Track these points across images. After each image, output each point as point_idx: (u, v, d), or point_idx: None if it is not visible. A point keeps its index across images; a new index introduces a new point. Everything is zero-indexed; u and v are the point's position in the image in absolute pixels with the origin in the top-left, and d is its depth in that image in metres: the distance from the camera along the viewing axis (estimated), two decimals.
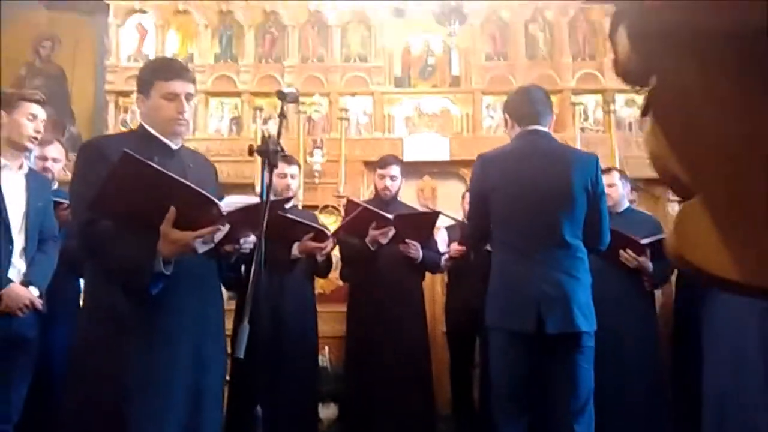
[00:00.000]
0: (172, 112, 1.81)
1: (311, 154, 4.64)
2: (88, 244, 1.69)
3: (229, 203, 1.56)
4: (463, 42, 5.04)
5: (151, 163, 1.46)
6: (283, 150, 1.48)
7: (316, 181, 4.67)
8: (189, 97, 1.86)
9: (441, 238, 3.90)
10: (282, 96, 1.51)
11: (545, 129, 2.45)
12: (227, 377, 2.75)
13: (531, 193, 2.28)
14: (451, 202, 4.40)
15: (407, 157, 4.53)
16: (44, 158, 2.96)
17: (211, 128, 4.93)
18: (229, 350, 2.14)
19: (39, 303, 2.45)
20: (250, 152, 1.49)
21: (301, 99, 4.80)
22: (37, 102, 2.53)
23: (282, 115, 1.53)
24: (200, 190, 1.51)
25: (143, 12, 4.93)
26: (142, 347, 1.68)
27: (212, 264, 1.90)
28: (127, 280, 1.61)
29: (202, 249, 1.57)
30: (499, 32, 5.14)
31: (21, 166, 2.55)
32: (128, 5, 4.92)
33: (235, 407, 3.00)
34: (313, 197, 4.65)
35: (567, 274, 2.27)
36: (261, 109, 4.80)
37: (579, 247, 2.34)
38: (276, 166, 1.50)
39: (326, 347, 4.54)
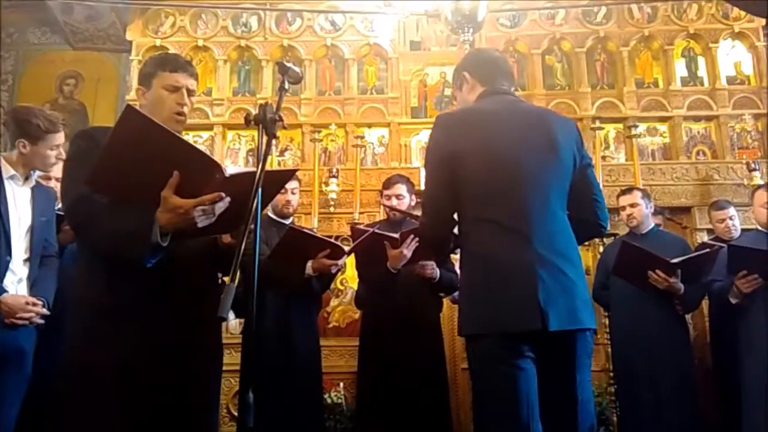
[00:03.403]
0: (172, 103, 1.76)
1: (326, 183, 4.58)
2: (81, 218, 1.60)
3: (231, 171, 1.48)
4: None
5: (153, 119, 1.40)
6: (281, 119, 1.39)
7: (332, 210, 4.59)
8: (190, 92, 1.82)
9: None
10: (283, 69, 1.44)
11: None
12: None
13: (513, 158, 1.82)
14: None
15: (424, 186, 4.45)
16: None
17: (227, 160, 4.93)
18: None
19: (40, 307, 2.38)
20: (247, 121, 1.41)
21: (317, 130, 4.81)
22: (60, 131, 2.52)
23: (282, 88, 1.45)
24: (203, 150, 1.43)
25: (164, 48, 5.03)
26: (128, 340, 1.56)
27: (209, 259, 1.78)
28: (122, 250, 1.50)
29: (202, 222, 1.47)
30: (516, 64, 5.14)
31: (28, 178, 2.52)
32: (149, 42, 5.05)
33: None
34: (328, 227, 4.57)
35: (562, 256, 1.78)
36: (277, 139, 4.79)
37: (567, 221, 1.88)
38: (275, 136, 1.41)
39: (341, 383, 4.33)
